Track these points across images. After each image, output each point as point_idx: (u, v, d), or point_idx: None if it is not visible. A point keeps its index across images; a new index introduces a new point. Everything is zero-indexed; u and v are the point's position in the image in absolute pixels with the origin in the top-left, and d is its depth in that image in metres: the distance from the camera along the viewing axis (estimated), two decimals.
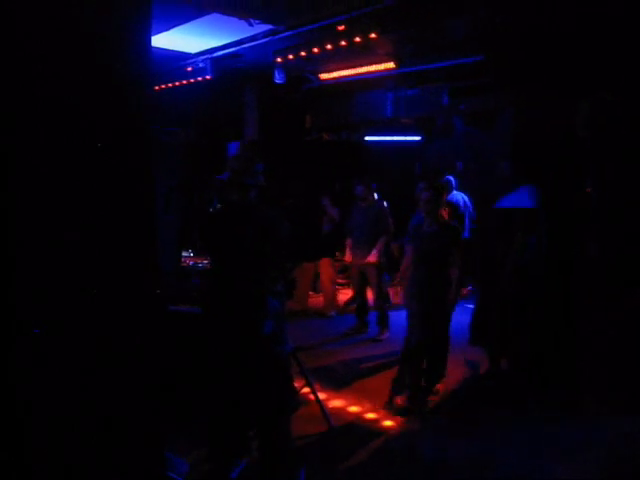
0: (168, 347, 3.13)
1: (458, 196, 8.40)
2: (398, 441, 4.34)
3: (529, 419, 4.63)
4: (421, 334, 4.70)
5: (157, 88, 8.50)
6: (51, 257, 2.29)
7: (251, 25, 6.52)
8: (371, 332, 7.00)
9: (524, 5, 5.68)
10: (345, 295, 8.56)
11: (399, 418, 4.62)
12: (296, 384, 3.90)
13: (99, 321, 2.43)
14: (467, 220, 8.22)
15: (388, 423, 4.57)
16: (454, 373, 5.42)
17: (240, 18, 6.32)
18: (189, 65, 8.26)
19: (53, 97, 2.25)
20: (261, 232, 3.24)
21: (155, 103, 2.91)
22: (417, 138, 10.44)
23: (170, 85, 8.77)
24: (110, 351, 2.45)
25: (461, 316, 5.81)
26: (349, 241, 6.98)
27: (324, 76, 8.87)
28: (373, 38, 6.25)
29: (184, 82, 8.58)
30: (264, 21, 6.45)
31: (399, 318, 5.66)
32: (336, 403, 4.94)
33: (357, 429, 4.50)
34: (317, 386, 4.70)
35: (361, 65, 8.13)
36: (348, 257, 7.05)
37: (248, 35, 6.95)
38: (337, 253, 8.94)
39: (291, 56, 7.28)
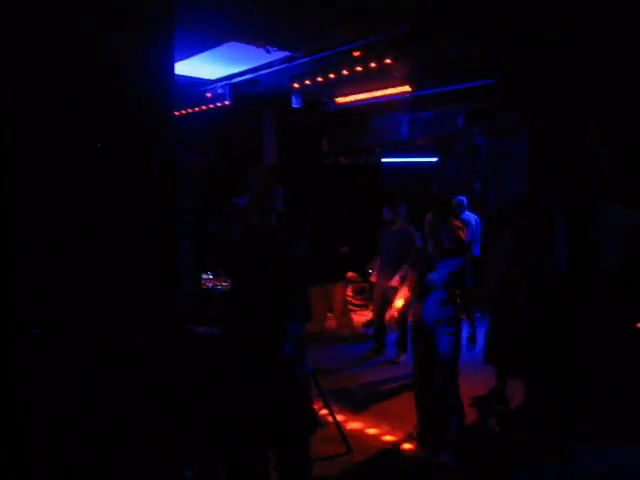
0: (184, 366, 3.17)
1: (470, 216, 8.50)
2: (415, 463, 4.32)
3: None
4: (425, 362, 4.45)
5: (177, 114, 8.67)
6: (51, 257, 2.32)
7: (268, 52, 6.69)
8: (389, 354, 6.99)
9: (537, 26, 5.75)
10: (362, 316, 8.56)
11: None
12: (315, 406, 3.92)
13: (99, 321, 2.45)
14: (478, 239, 8.41)
15: (407, 446, 4.56)
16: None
17: (258, 46, 6.49)
18: (208, 91, 8.45)
19: (94, 126, 2.36)
20: (275, 255, 3.28)
21: (176, 129, 3.02)
22: (433, 159, 10.49)
23: (190, 111, 8.96)
24: (110, 351, 2.47)
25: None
26: (377, 262, 7.13)
27: (340, 100, 8.98)
28: (388, 63, 6.35)
29: (203, 107, 8.76)
30: (281, 48, 6.61)
31: None
32: (354, 425, 4.93)
33: (375, 451, 4.49)
34: (335, 408, 4.71)
35: (377, 89, 8.22)
36: (374, 277, 7.23)
37: (265, 62, 7.12)
38: (352, 274, 9.00)
39: (308, 81, 7.42)
